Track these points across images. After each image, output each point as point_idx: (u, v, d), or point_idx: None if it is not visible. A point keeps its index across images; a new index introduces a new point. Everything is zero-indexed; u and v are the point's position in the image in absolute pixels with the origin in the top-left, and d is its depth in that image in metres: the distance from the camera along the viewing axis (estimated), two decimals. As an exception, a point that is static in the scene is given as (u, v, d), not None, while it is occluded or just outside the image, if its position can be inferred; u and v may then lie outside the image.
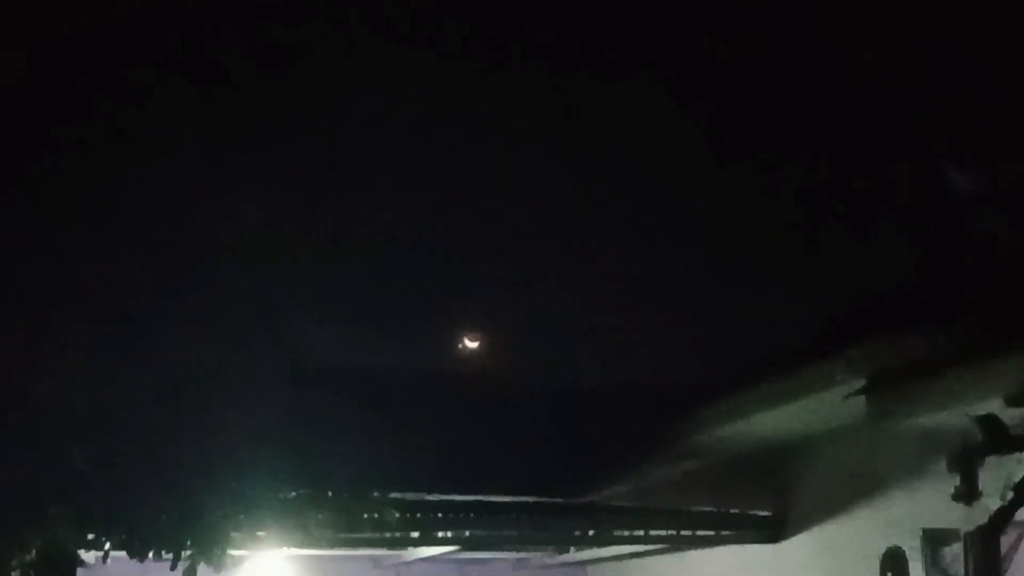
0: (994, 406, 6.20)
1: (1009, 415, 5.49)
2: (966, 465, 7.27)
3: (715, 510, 11.46)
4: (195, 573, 8.61)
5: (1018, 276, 5.33)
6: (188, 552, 8.54)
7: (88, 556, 9.83)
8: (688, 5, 7.91)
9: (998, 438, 5.55)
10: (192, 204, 8.88)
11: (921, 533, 8.78)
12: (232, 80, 7.82)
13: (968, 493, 7.54)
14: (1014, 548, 8.34)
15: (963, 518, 8.13)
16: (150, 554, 8.51)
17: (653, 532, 11.48)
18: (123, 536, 8.57)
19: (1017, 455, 5.46)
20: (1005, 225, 4.98)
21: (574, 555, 13.99)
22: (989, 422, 5.51)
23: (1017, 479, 6.23)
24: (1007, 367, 5.62)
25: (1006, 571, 8.35)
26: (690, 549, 12.34)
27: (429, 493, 10.73)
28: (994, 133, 4.78)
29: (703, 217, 9.69)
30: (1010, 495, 5.63)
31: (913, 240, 5.82)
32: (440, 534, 10.74)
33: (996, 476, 7.25)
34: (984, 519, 7.53)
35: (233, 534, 8.78)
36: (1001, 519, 5.68)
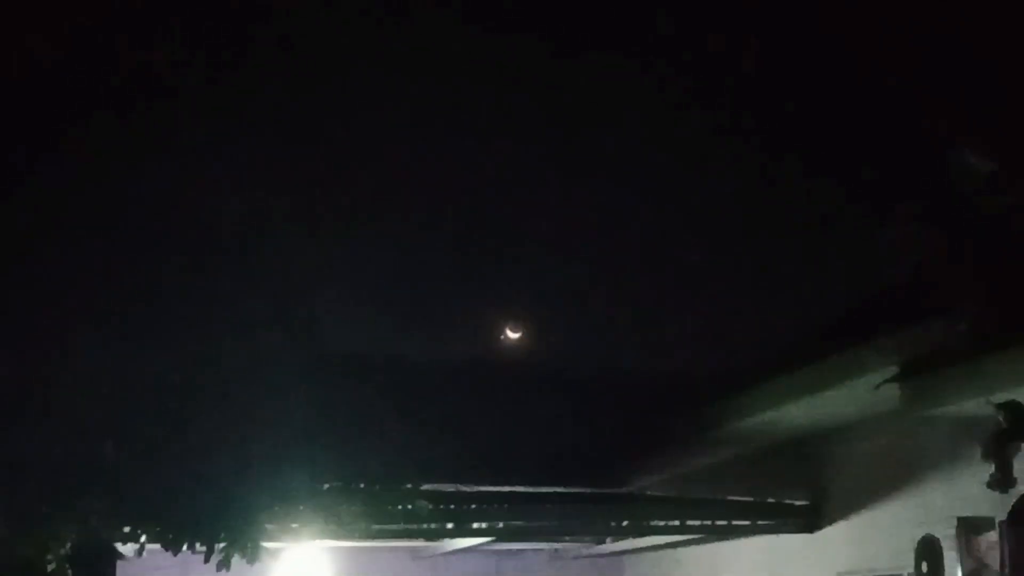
0: (1026, 393, 6.16)
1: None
2: (1000, 453, 7.20)
3: (751, 500, 11.42)
4: (229, 565, 8.63)
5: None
6: (222, 544, 8.55)
7: (126, 549, 9.90)
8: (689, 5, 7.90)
9: (1020, 424, 5.49)
10: (227, 196, 8.92)
11: (956, 522, 8.69)
12: (249, 65, 7.84)
13: (1003, 481, 7.47)
14: (1049, 537, 8.26)
15: (998, 506, 8.08)
16: (184, 546, 8.53)
17: (689, 522, 11.45)
18: (157, 528, 8.59)
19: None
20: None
21: (610, 545, 13.97)
22: (1011, 408, 5.45)
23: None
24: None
25: (1042, 559, 8.29)
26: (726, 539, 12.30)
27: (463, 484, 10.74)
28: (999, 117, 4.74)
29: (737, 208, 9.67)
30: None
31: (942, 226, 5.77)
32: (474, 525, 10.74)
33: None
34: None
35: (267, 526, 8.79)
36: (1025, 506, 5.61)
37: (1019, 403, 5.45)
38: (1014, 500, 7.76)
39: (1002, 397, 5.55)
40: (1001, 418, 5.54)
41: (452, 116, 9.21)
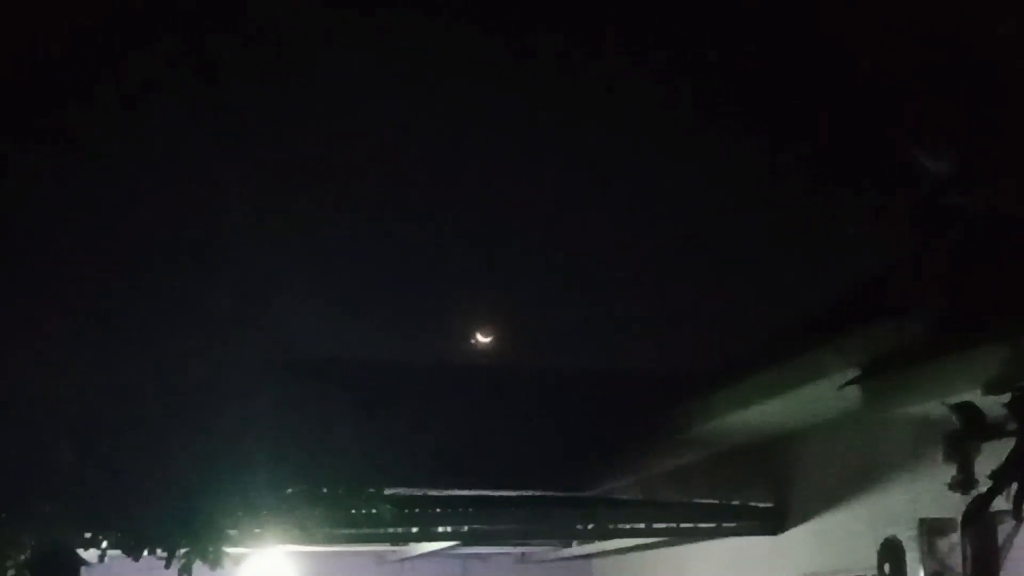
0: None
1: (991, 403, 5.43)
2: (960, 454, 7.21)
3: (716, 502, 11.43)
4: (191, 571, 8.58)
5: (1009, 260, 5.28)
6: (183, 550, 8.50)
7: (90, 555, 9.82)
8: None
9: (974, 425, 5.50)
10: (190, 197, 8.87)
11: (918, 523, 8.72)
12: (223, 67, 7.79)
13: (964, 482, 7.47)
14: (1011, 538, 8.30)
15: (961, 508, 8.09)
16: (144, 552, 8.48)
17: (655, 525, 11.44)
18: (118, 534, 8.53)
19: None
20: (988, 209, 4.95)
21: (577, 549, 13.94)
22: (964, 409, 5.46)
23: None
24: (996, 354, 5.58)
25: (1004, 560, 8.33)
26: (692, 541, 12.29)
27: (427, 488, 10.71)
28: (966, 117, 4.75)
29: (698, 212, 9.69)
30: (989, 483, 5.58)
31: (903, 228, 5.78)
32: (439, 529, 10.70)
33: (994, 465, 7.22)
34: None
35: (229, 531, 8.74)
36: (980, 506, 5.62)
37: (973, 404, 5.46)
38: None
39: (962, 399, 5.56)
40: (956, 420, 5.55)
41: (427, 114, 9.18)
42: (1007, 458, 5.34)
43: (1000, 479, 5.38)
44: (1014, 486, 5.46)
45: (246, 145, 8.57)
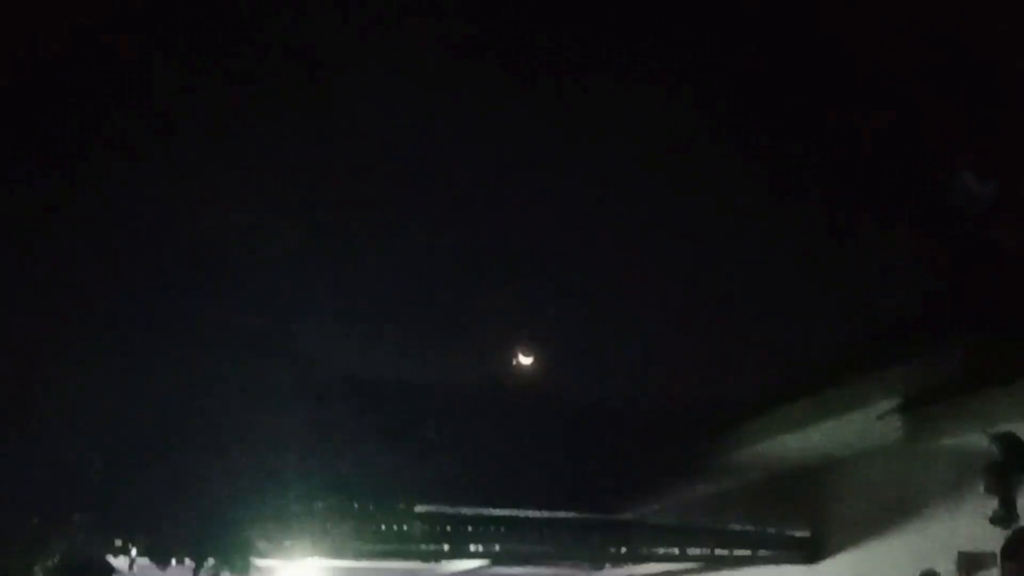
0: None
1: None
2: (1002, 487, 7.08)
3: (752, 529, 11.29)
4: (217, 580, 8.56)
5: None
6: (211, 560, 8.47)
7: (121, 563, 9.82)
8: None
9: (1016, 455, 5.38)
10: (224, 217, 8.86)
11: (957, 556, 8.56)
12: (247, 82, 7.77)
13: (1006, 516, 7.35)
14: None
15: (1000, 542, 7.94)
16: (172, 561, 8.45)
17: (689, 551, 11.32)
18: (146, 543, 8.52)
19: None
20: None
21: (610, 572, 13.81)
22: (1006, 439, 5.34)
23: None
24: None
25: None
26: (726, 569, 12.15)
27: (459, 506, 10.64)
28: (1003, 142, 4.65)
29: (738, 242, 9.59)
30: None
31: (943, 258, 5.68)
32: (470, 547, 10.63)
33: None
34: None
35: (258, 542, 8.71)
36: (1020, 539, 5.49)
37: (1014, 434, 5.34)
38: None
39: (1003, 430, 5.44)
40: (997, 449, 5.42)
41: (454, 137, 9.14)
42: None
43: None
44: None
45: (279, 162, 8.55)
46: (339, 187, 9.19)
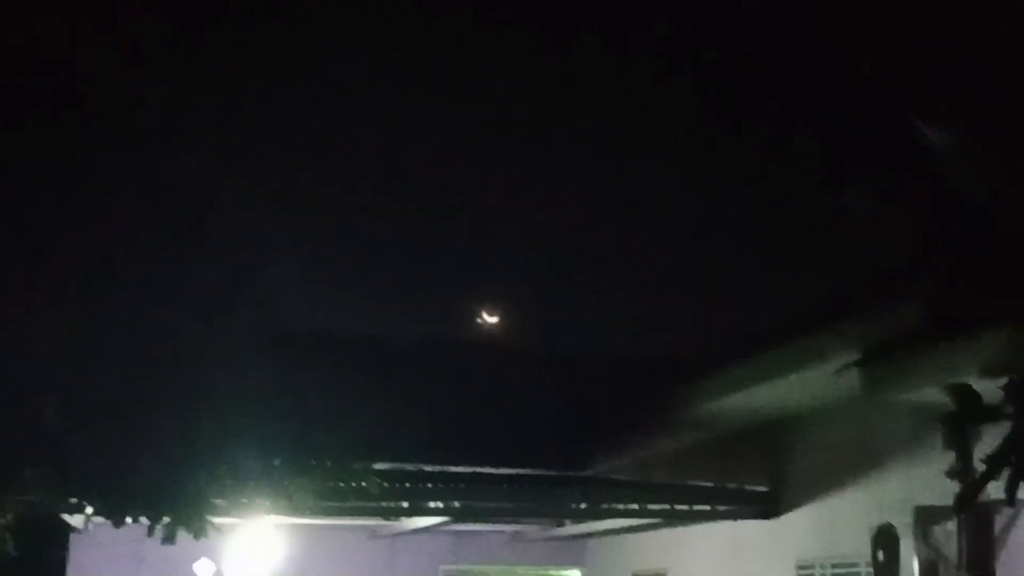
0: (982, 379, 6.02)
1: (990, 388, 5.29)
2: (959, 441, 7.08)
3: (712, 485, 11.32)
4: (174, 539, 8.48)
5: (1008, 245, 5.14)
6: (166, 519, 8.39)
7: (76, 521, 9.74)
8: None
9: (970, 407, 5.36)
10: (182, 166, 8.71)
11: (913, 510, 8.60)
12: (217, 34, 7.61)
13: (963, 470, 7.35)
14: (1008, 527, 8.16)
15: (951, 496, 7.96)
16: (127, 519, 8.37)
17: (649, 506, 11.35)
18: (101, 501, 8.43)
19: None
20: (991, 193, 4.80)
21: (570, 528, 13.86)
22: (961, 391, 5.31)
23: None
24: (996, 339, 5.43)
25: (1000, 550, 8.18)
26: (686, 524, 12.20)
27: (419, 463, 10.60)
28: (968, 90, 4.60)
29: (701, 195, 9.52)
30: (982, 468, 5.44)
31: (902, 212, 5.63)
32: (430, 504, 10.61)
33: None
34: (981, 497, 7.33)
35: (214, 501, 8.63)
36: (972, 491, 5.48)
37: (969, 386, 5.32)
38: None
39: (957, 381, 5.42)
40: (951, 401, 5.40)
41: (424, 87, 9.00)
42: (1002, 442, 5.19)
43: (994, 464, 5.24)
44: (1008, 472, 5.32)
45: (243, 109, 8.39)
46: (303, 135, 9.05)
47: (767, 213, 8.81)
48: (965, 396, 5.29)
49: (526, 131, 9.53)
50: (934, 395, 7.34)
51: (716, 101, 8.08)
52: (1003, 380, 5.14)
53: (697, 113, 8.42)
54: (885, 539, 8.92)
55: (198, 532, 8.48)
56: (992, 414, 5.23)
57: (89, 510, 8.82)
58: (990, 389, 5.30)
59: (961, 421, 5.51)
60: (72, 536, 13.11)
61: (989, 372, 5.20)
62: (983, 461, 5.49)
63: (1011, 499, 5.31)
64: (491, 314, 12.67)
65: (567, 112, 9.28)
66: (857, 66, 5.29)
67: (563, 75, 8.75)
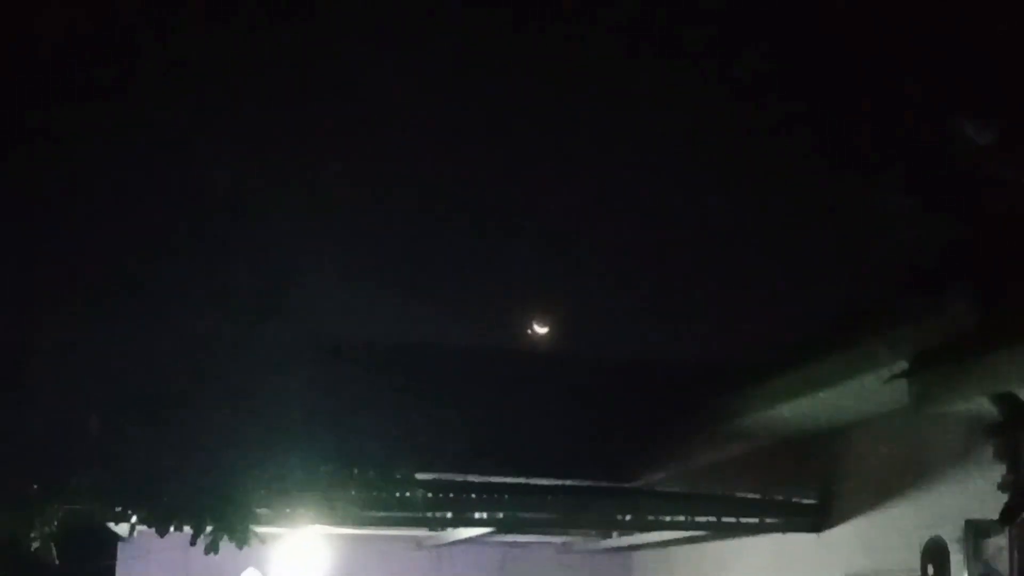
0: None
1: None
2: (1013, 453, 6.94)
3: (759, 497, 11.19)
4: (217, 548, 8.47)
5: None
6: (210, 527, 8.39)
7: (121, 530, 9.75)
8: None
9: (1016, 416, 5.24)
10: (223, 168, 8.74)
11: (964, 524, 8.44)
12: (241, 30, 7.62)
13: (1015, 482, 7.21)
14: (1061, 541, 8.01)
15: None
16: (171, 528, 8.37)
17: (695, 518, 11.23)
18: (145, 509, 8.44)
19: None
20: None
21: (618, 540, 13.76)
22: (1006, 400, 5.19)
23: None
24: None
25: (1052, 565, 8.03)
26: (734, 536, 12.08)
27: (463, 473, 10.56)
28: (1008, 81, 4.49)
29: (746, 200, 9.46)
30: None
31: (955, 219, 5.53)
32: (474, 515, 10.55)
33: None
34: (1032, 511, 7.20)
35: (257, 510, 8.62)
36: (1019, 504, 5.36)
37: (1014, 394, 5.19)
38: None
39: (1003, 390, 5.29)
40: (997, 410, 5.28)
41: (464, 95, 9.00)
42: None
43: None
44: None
45: (282, 118, 8.41)
46: (346, 143, 9.06)
47: (814, 217, 8.73)
48: (1011, 405, 5.17)
49: (570, 141, 9.51)
50: (986, 406, 7.21)
51: (754, 106, 8.01)
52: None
53: (737, 120, 8.36)
54: (935, 553, 8.77)
55: (242, 541, 8.46)
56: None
57: (134, 518, 8.81)
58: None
59: (1007, 431, 5.38)
60: (120, 545, 13.21)
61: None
62: (1012, 472, 5.36)
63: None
64: (537, 322, 12.65)
65: (606, 121, 9.25)
66: (892, 64, 5.20)
67: (594, 79, 8.72)
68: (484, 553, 14.94)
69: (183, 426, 8.46)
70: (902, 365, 8.01)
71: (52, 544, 8.29)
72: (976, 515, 8.41)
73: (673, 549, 13.79)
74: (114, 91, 7.54)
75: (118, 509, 8.72)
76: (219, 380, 8.63)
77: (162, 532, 8.40)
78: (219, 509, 8.35)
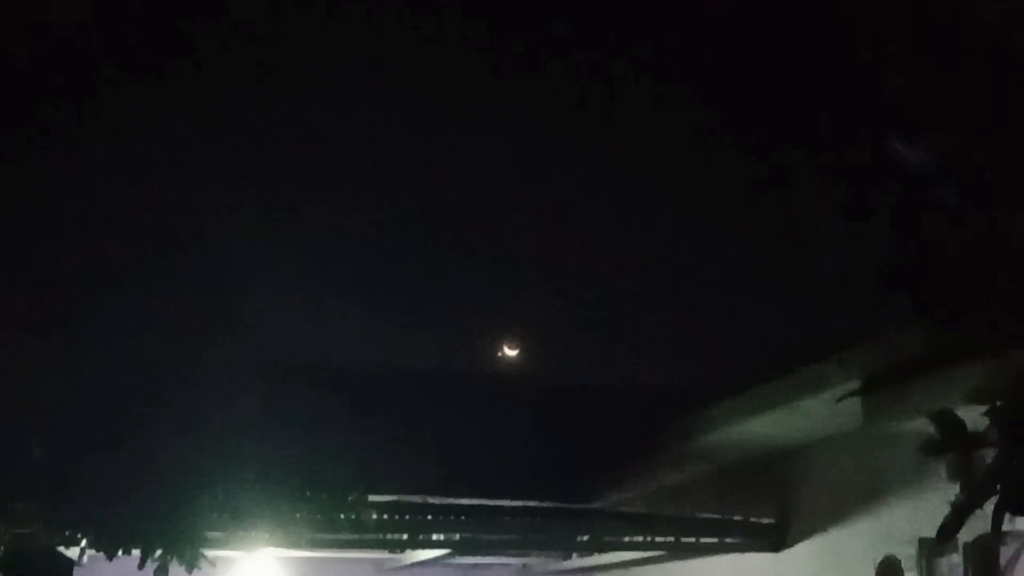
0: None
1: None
2: (965, 472, 6.93)
3: (718, 517, 11.16)
4: (167, 572, 8.37)
5: (1000, 261, 5.00)
6: (159, 551, 8.29)
7: (71, 554, 9.62)
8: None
9: (952, 435, 5.22)
10: (179, 194, 8.63)
11: (918, 542, 8.45)
12: (209, 58, 7.53)
13: (968, 502, 7.19)
14: (1014, 560, 8.02)
15: (964, 528, 7.80)
16: (119, 552, 8.27)
17: (655, 539, 11.20)
18: (93, 533, 8.34)
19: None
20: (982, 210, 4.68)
21: (578, 561, 13.70)
22: (941, 418, 5.18)
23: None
24: (987, 364, 5.30)
25: (1006, 582, 8.04)
26: (693, 557, 12.03)
27: (420, 495, 10.48)
28: (950, 101, 4.48)
29: (700, 226, 9.44)
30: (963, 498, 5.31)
31: (903, 239, 5.51)
32: (430, 536, 10.47)
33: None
34: (985, 529, 7.17)
35: (207, 533, 8.53)
36: (956, 520, 5.34)
37: (951, 412, 5.18)
38: (979, 521, 7.46)
39: (941, 408, 5.28)
40: (935, 429, 5.27)
41: (434, 108, 8.90)
42: (986, 470, 5.06)
43: (978, 492, 5.10)
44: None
45: (234, 135, 8.32)
46: (296, 159, 8.96)
47: (765, 243, 8.72)
48: (948, 424, 5.15)
49: (535, 161, 9.46)
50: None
51: (716, 126, 7.99)
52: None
53: (696, 147, 8.34)
54: (889, 572, 8.77)
55: (191, 564, 8.37)
56: (976, 442, 5.09)
57: (83, 542, 8.70)
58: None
59: (943, 450, 5.36)
60: (76, 571, 13.04)
61: (975, 398, 5.06)
62: (964, 491, 5.34)
63: (996, 529, 5.16)
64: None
65: (583, 143, 9.21)
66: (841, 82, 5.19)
67: (575, 95, 8.68)
68: (445, 575, 14.86)
69: (132, 449, 8.36)
70: (853, 385, 8.02)
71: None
72: (930, 534, 8.38)
73: (634, 570, 13.72)
74: (56, 110, 7.45)
75: (67, 533, 8.59)
76: (169, 403, 8.55)
77: (110, 556, 8.30)
78: (168, 532, 8.25)
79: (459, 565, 14.58)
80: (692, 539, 11.19)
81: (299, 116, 8.32)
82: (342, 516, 8.93)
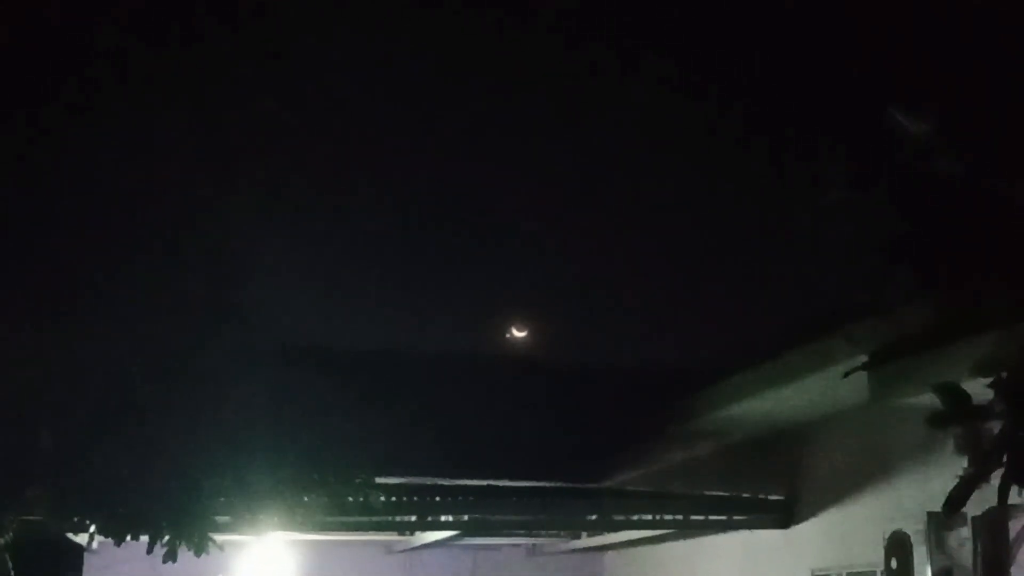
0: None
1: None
2: (973, 446, 6.90)
3: (727, 495, 11.17)
4: (175, 556, 8.39)
5: (1003, 233, 4.97)
6: (168, 535, 8.30)
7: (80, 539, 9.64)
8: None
9: (957, 407, 5.20)
10: (190, 180, 8.62)
11: (926, 516, 8.43)
12: (209, 44, 7.50)
13: (975, 475, 7.17)
14: (1023, 535, 7.98)
15: (971, 501, 7.78)
16: (127, 537, 8.28)
17: (663, 517, 11.20)
18: (101, 519, 8.35)
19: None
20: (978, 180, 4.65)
21: (586, 540, 13.72)
22: (946, 390, 5.15)
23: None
24: (991, 336, 5.27)
25: (1014, 557, 8.00)
26: (702, 534, 12.05)
27: (429, 477, 10.50)
28: (950, 74, 4.46)
29: (708, 207, 9.42)
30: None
31: (906, 212, 5.48)
32: (439, 518, 10.48)
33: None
34: (993, 502, 7.16)
35: (216, 517, 8.54)
36: (962, 492, 5.32)
37: (955, 384, 5.15)
38: (988, 496, 7.45)
39: (945, 381, 5.25)
40: (941, 402, 5.24)
41: (441, 97, 8.88)
42: (992, 442, 5.04)
43: (984, 464, 5.08)
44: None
45: (238, 122, 8.30)
46: (308, 146, 8.94)
47: (770, 221, 8.69)
48: (953, 396, 5.13)
49: (540, 145, 9.44)
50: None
51: (718, 111, 7.95)
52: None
53: (701, 125, 8.30)
54: (897, 547, 8.75)
55: (200, 549, 8.37)
56: (981, 413, 5.07)
57: (92, 528, 8.72)
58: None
59: (949, 422, 5.34)
60: (86, 556, 13.08)
61: (980, 370, 5.03)
62: (971, 463, 5.32)
63: (1003, 501, 5.14)
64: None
65: (584, 125, 9.19)
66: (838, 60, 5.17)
67: (584, 89, 8.65)
68: (454, 556, 14.90)
69: (141, 435, 8.36)
70: (860, 360, 7.99)
71: (6, 555, 8.19)
72: (938, 508, 8.37)
73: (643, 548, 13.77)
74: (63, 101, 7.43)
75: (75, 519, 8.61)
76: (177, 388, 8.54)
77: (119, 541, 8.31)
78: (176, 517, 8.26)
79: (469, 546, 14.61)
80: (701, 517, 11.19)
81: (307, 102, 8.31)
82: (350, 499, 8.91)
